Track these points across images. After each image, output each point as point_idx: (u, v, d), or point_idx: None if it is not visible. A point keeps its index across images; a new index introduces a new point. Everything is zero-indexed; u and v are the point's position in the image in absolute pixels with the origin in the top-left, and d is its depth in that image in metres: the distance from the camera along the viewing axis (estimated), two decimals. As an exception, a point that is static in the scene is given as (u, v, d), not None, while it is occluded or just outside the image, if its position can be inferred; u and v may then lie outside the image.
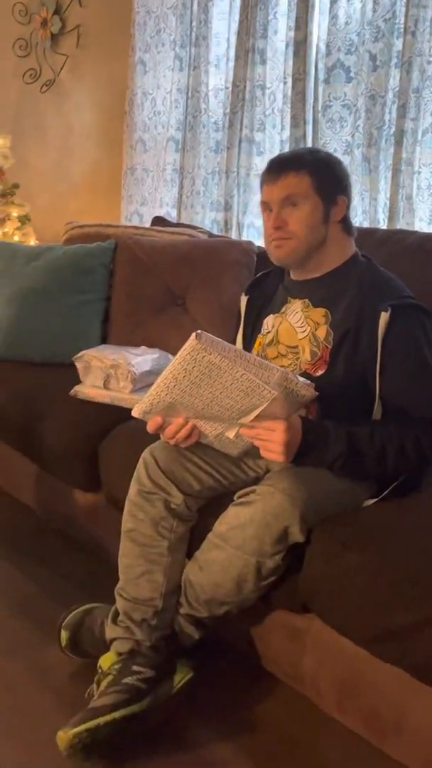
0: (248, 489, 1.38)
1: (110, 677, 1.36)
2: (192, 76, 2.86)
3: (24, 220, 3.33)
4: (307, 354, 1.49)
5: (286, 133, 2.54)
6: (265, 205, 1.51)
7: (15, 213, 3.32)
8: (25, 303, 2.31)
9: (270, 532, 1.30)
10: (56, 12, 3.42)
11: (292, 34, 2.46)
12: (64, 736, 1.25)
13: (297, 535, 1.30)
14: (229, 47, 2.75)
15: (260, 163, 2.73)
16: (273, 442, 1.28)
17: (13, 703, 1.40)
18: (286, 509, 1.29)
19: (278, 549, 1.32)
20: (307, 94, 2.46)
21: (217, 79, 2.84)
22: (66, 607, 1.56)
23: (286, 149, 2.52)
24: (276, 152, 2.52)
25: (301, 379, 1.30)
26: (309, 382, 1.32)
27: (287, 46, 2.50)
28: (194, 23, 2.82)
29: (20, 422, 2.01)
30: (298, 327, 1.52)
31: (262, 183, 1.53)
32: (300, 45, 2.42)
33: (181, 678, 1.41)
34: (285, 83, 2.53)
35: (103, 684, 1.36)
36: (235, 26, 2.69)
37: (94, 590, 1.63)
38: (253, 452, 1.39)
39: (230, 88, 2.73)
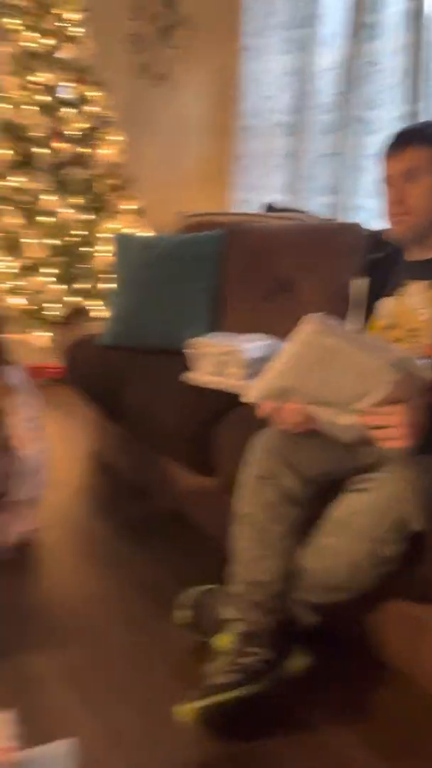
0: (366, 476, 1.35)
1: (227, 657, 1.39)
2: (301, 58, 2.83)
3: (138, 212, 3.43)
4: (428, 337, 1.43)
5: (400, 110, 2.46)
6: (386, 180, 1.47)
7: (129, 206, 3.42)
8: (140, 292, 2.39)
9: (387, 520, 1.27)
10: (167, 5, 3.48)
11: (405, 5, 2.37)
12: (183, 711, 1.29)
13: (416, 524, 1.27)
14: (340, 25, 2.68)
15: (371, 143, 2.65)
16: (395, 426, 1.23)
17: (137, 678, 1.46)
18: (405, 497, 1.26)
19: (396, 537, 1.29)
20: (420, 68, 2.36)
21: (327, 58, 2.79)
22: (186, 587, 1.61)
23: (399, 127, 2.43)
24: (388, 131, 2.44)
25: (422, 361, 1.25)
26: (430, 364, 1.27)
27: (401, 18, 2.41)
28: (302, 3, 2.78)
29: (135, 408, 2.08)
30: (418, 309, 1.47)
31: (383, 157, 1.49)
32: (414, 16, 2.33)
33: (296, 663, 1.42)
34: (399, 58, 2.44)
35: (221, 663, 1.39)
36: (345, 3, 2.62)
37: (211, 571, 1.66)
38: (366, 438, 1.36)
39: (340, 67, 2.67)
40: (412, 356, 1.23)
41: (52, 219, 3.31)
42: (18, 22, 3.34)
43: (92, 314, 3.32)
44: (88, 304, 3.35)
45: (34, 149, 3.31)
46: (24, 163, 3.34)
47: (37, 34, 3.32)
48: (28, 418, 1.81)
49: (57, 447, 2.51)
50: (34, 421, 1.82)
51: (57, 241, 3.28)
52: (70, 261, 3.32)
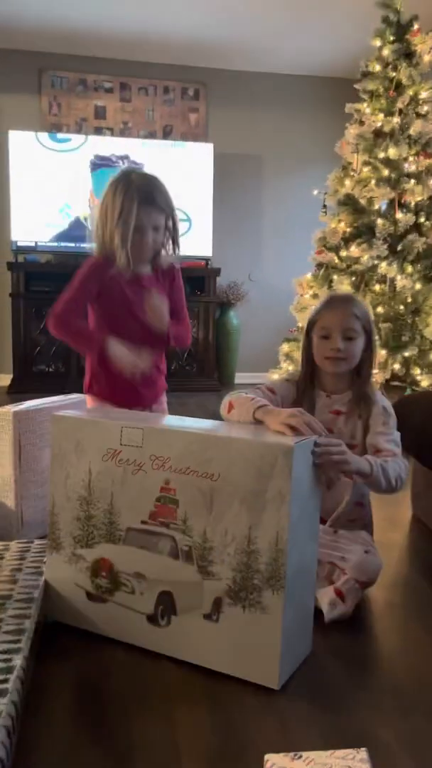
0: None
1: None
2: None
3: None
4: None
5: None
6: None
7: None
8: None
9: None
10: None
11: None
12: None
13: None
14: None
15: None
16: None
17: None
18: None
19: None
20: None
21: None
22: None
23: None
24: None
25: None
26: None
27: None
28: None
29: None
30: None
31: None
32: None
33: None
34: None
35: None
36: None
37: None
38: None
39: None
40: None
41: (384, 287, 3.20)
42: (365, 105, 3.47)
43: (420, 381, 3.05)
44: (415, 372, 3.09)
45: (373, 219, 3.29)
46: (361, 233, 3.33)
47: (381, 115, 3.39)
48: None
49: (380, 510, 2.22)
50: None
51: (380, 309, 3.14)
52: (394, 328, 3.13)
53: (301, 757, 0.81)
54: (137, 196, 1.64)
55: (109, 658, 1.23)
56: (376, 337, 1.63)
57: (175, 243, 1.76)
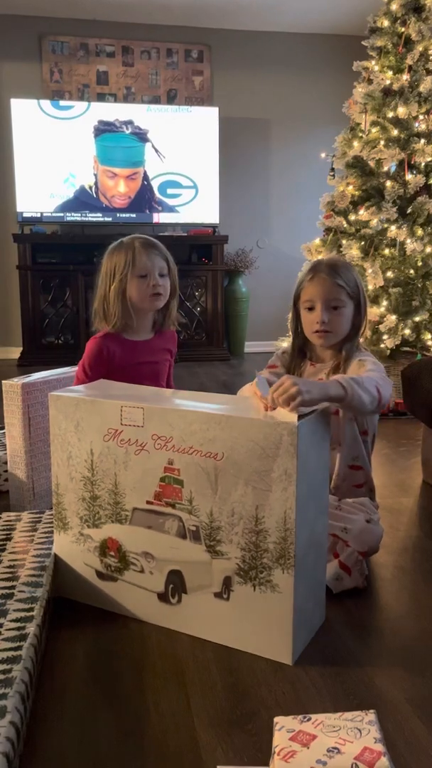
0: None
1: None
2: None
3: None
4: None
5: None
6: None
7: None
8: None
9: None
10: None
11: None
12: None
13: None
14: None
15: None
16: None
17: None
18: None
19: None
20: None
21: None
22: None
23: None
24: None
25: None
26: None
27: None
28: None
29: None
30: None
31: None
32: None
33: None
34: None
35: None
36: None
37: None
38: None
39: None
40: None
41: (394, 250, 3.14)
42: (374, 63, 3.37)
43: (430, 346, 3.02)
44: (426, 337, 3.05)
45: (382, 181, 3.22)
46: (370, 196, 3.27)
47: (390, 73, 3.30)
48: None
49: (391, 476, 2.22)
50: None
51: (390, 274, 3.09)
52: (405, 292, 3.08)
53: (309, 719, 0.82)
54: (137, 244, 1.59)
55: (122, 628, 1.25)
56: (366, 301, 1.53)
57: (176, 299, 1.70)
